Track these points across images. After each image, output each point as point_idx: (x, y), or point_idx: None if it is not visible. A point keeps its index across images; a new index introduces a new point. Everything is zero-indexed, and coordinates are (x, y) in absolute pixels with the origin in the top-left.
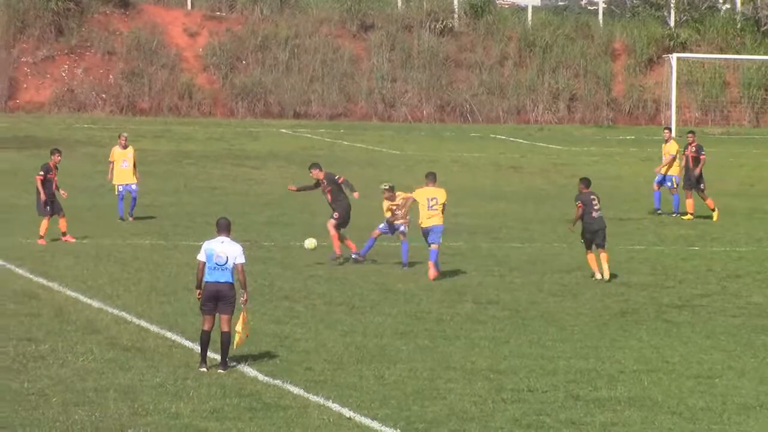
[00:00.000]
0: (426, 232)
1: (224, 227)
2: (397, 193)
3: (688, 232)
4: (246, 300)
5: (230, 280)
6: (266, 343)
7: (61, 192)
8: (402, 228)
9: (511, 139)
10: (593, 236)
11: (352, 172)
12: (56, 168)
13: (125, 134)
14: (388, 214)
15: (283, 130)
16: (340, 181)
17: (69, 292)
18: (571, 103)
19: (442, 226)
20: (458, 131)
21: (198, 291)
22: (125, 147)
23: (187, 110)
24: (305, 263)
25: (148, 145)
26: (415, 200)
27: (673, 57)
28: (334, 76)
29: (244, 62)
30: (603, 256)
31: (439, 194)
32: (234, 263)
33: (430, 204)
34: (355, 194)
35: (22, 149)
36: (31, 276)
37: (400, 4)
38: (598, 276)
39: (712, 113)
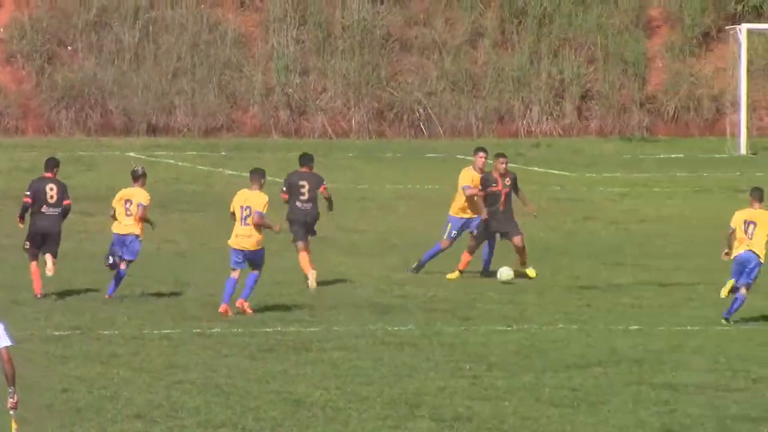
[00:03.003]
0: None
1: None
2: None
3: None
4: (16, 403)
5: None
6: None
7: None
8: None
9: None
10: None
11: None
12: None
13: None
14: None
15: (132, 154)
16: None
17: None
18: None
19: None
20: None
21: None
22: None
23: None
24: (165, 368)
25: None
26: None
27: (742, 29)
28: (210, 68)
29: (69, 48)
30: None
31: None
32: None
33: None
34: None
35: None
36: None
37: None
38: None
39: None
